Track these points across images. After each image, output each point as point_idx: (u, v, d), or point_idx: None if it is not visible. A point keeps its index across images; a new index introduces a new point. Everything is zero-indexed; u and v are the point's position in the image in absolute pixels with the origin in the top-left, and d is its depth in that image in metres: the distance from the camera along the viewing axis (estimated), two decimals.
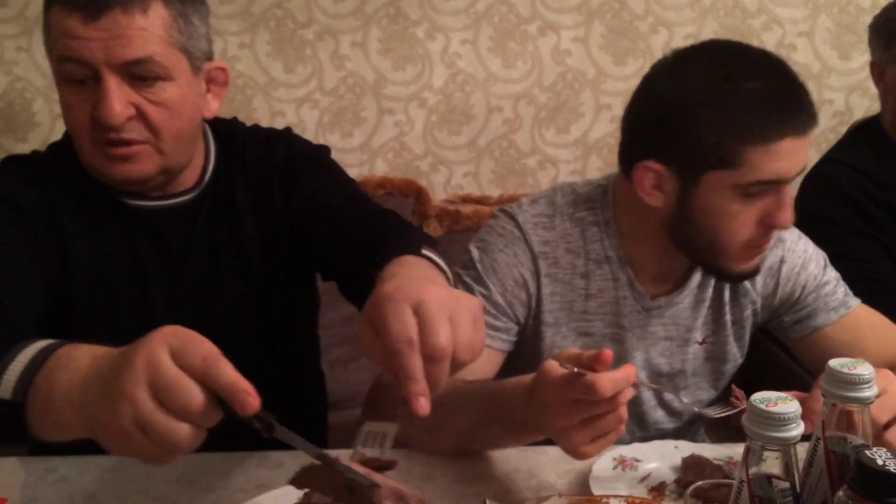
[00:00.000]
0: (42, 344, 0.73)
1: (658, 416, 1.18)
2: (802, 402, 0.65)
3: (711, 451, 0.99)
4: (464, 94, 1.99)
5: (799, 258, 1.15)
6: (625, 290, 1.12)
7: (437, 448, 1.02)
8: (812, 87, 2.01)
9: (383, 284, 0.69)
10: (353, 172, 1.98)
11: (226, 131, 1.13)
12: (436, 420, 0.99)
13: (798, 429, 0.57)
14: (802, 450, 0.67)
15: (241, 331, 1.10)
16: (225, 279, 1.10)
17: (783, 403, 0.56)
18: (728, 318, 1.16)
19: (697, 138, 0.98)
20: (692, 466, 0.95)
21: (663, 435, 1.13)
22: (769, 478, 0.57)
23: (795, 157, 0.98)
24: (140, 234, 1.06)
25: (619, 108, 1.51)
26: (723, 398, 0.97)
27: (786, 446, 0.57)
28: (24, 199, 1.02)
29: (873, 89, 2.01)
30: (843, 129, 1.96)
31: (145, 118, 0.97)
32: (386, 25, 1.94)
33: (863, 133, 1.78)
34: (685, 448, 1.00)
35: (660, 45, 1.98)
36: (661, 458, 0.99)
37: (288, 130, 1.17)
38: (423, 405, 0.63)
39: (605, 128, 2.00)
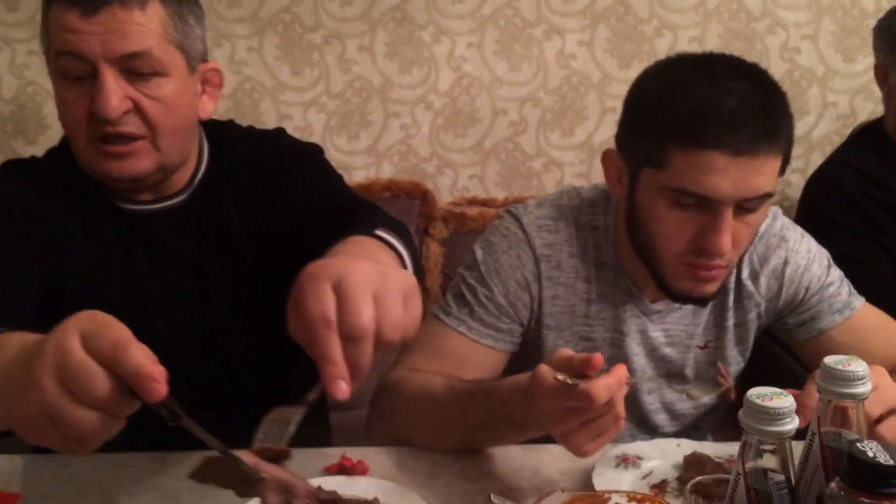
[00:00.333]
0: None
1: (660, 419, 1.18)
2: (796, 398, 0.67)
3: (713, 448, 1.00)
4: (469, 98, 2.00)
5: (803, 259, 1.14)
6: (624, 296, 1.12)
7: (441, 448, 1.03)
8: (816, 90, 2.04)
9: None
10: (360, 175, 2.02)
11: (218, 133, 1.13)
12: (437, 421, 1.01)
13: (793, 423, 0.58)
14: (799, 447, 0.69)
15: (233, 331, 1.11)
16: (215, 280, 1.10)
17: (778, 399, 0.58)
18: (731, 322, 1.15)
19: (639, 133, 1.01)
20: (693, 464, 0.96)
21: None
22: (765, 471, 0.58)
23: (729, 176, 0.92)
24: (133, 238, 1.07)
25: None
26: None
27: (781, 440, 0.58)
28: (19, 202, 1.03)
29: (877, 92, 2.01)
30: (847, 132, 1.98)
31: (142, 113, 0.98)
32: (392, 29, 1.96)
33: (866, 136, 1.78)
34: (687, 446, 1.02)
35: (664, 49, 1.99)
36: (662, 455, 1.01)
37: (278, 130, 1.18)
38: (342, 389, 0.60)
39: (610, 131, 1.98)
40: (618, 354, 1.12)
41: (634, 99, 1.04)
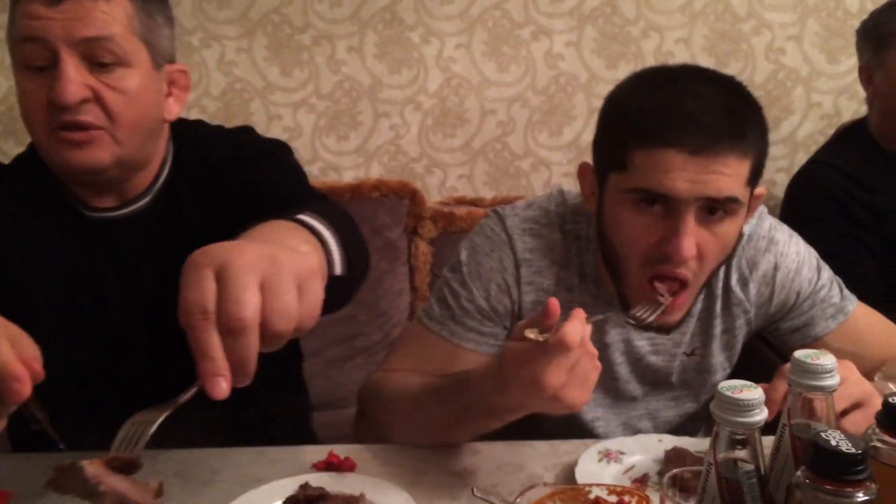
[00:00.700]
0: None
1: (644, 426, 1.17)
2: (765, 390, 0.68)
3: (693, 443, 1.02)
4: (458, 98, 2.02)
5: (793, 262, 1.11)
6: (605, 308, 1.08)
7: (425, 444, 1.04)
8: (801, 90, 2.06)
9: None
10: (349, 175, 2.04)
11: (181, 133, 1.12)
12: (418, 419, 1.02)
13: (761, 414, 0.60)
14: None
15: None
16: (177, 283, 1.09)
17: (748, 391, 0.60)
18: (718, 329, 1.13)
19: (606, 139, 1.02)
20: (674, 458, 0.98)
21: None
22: (735, 461, 0.60)
23: (687, 175, 0.91)
24: (96, 245, 1.07)
25: None
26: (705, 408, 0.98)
27: (750, 431, 0.60)
28: None
29: (861, 92, 2.04)
30: (832, 132, 2.00)
31: (102, 103, 0.97)
32: (381, 30, 1.97)
33: (850, 135, 1.81)
34: (668, 441, 1.03)
35: (651, 50, 2.01)
36: (644, 450, 1.02)
37: (242, 128, 1.16)
38: (221, 388, 0.55)
39: None
40: (602, 363, 1.10)
41: (604, 109, 1.04)
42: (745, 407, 0.59)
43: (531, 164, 2.06)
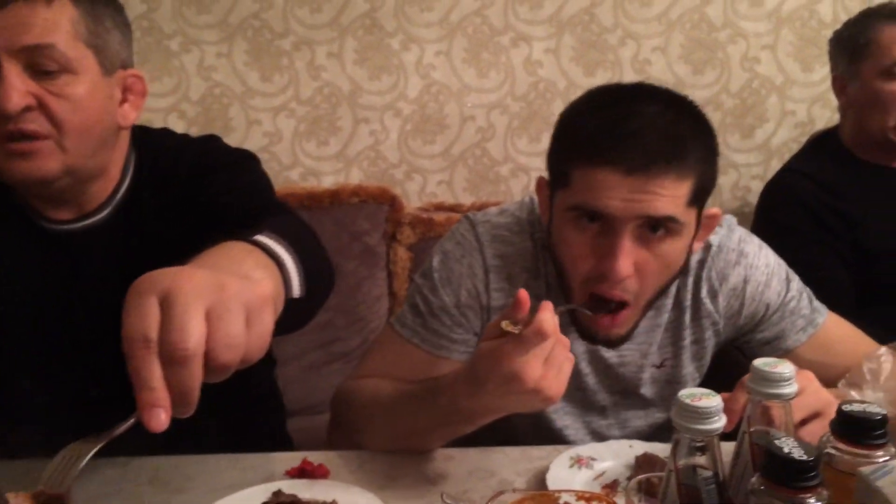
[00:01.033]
0: None
1: (614, 435, 1.17)
2: (725, 401, 0.70)
3: (664, 449, 1.02)
4: (438, 104, 2.03)
5: (763, 275, 1.12)
6: (568, 319, 1.07)
7: (397, 449, 1.04)
8: (775, 99, 2.09)
9: None
10: (329, 180, 2.04)
11: (143, 142, 1.10)
12: (390, 426, 1.02)
13: (720, 422, 0.61)
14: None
15: None
16: None
17: (706, 399, 0.61)
18: (688, 340, 1.13)
19: (553, 155, 1.04)
20: (644, 464, 0.99)
21: None
22: (695, 467, 0.61)
23: (621, 195, 0.92)
24: (56, 258, 1.05)
25: None
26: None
27: (709, 438, 0.61)
28: None
29: (834, 101, 2.07)
30: (805, 140, 2.03)
31: (47, 111, 0.95)
32: (362, 36, 1.98)
33: (822, 144, 1.83)
34: (639, 447, 1.04)
35: (628, 57, 2.03)
36: (615, 456, 1.03)
37: (208, 137, 1.14)
38: (159, 420, 0.53)
39: None
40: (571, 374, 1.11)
41: (555, 126, 1.05)
42: (703, 414, 0.60)
43: (510, 170, 2.08)
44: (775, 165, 2.04)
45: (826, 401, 0.85)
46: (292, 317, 0.75)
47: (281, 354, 1.79)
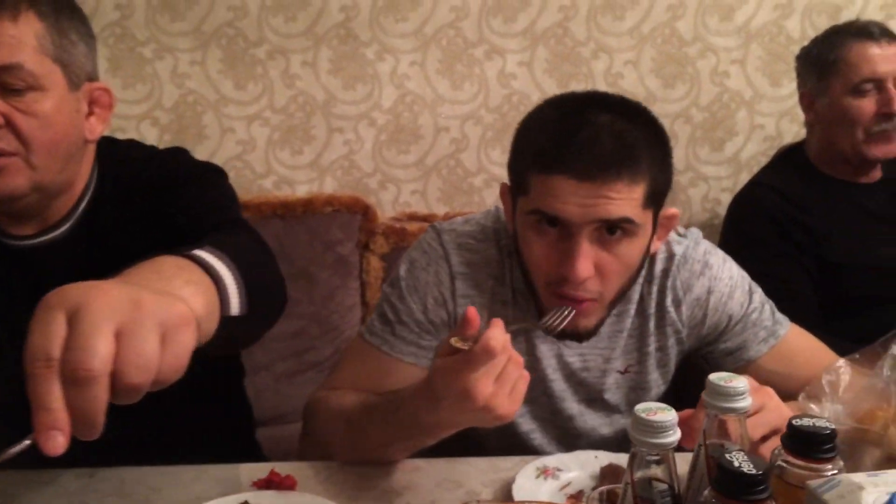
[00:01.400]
0: None
1: (581, 444, 1.18)
2: (686, 420, 0.71)
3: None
4: (412, 115, 2.04)
5: (726, 286, 1.14)
6: (535, 321, 1.09)
7: (361, 460, 1.05)
8: (744, 113, 2.13)
9: None
10: (302, 189, 2.04)
11: (111, 153, 1.09)
12: (354, 437, 1.03)
13: (675, 436, 0.63)
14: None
15: None
16: None
17: (662, 413, 0.62)
18: (652, 347, 1.16)
19: (513, 162, 1.07)
20: (609, 474, 1.00)
21: None
22: (650, 480, 0.63)
23: (576, 201, 0.96)
24: (16, 273, 1.04)
25: None
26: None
27: (665, 451, 0.62)
28: None
29: (803, 115, 2.12)
30: (774, 153, 2.07)
31: (15, 128, 0.94)
32: (336, 46, 1.99)
33: (789, 158, 1.87)
34: (604, 458, 1.06)
35: (601, 70, 2.06)
36: (581, 467, 1.05)
37: (173, 150, 1.13)
38: (56, 442, 0.50)
39: None
40: (535, 379, 1.11)
41: (514, 135, 1.08)
42: (658, 428, 0.61)
43: (484, 180, 2.09)
44: (744, 178, 2.06)
45: (786, 417, 0.86)
46: (233, 335, 0.74)
47: (253, 363, 1.79)
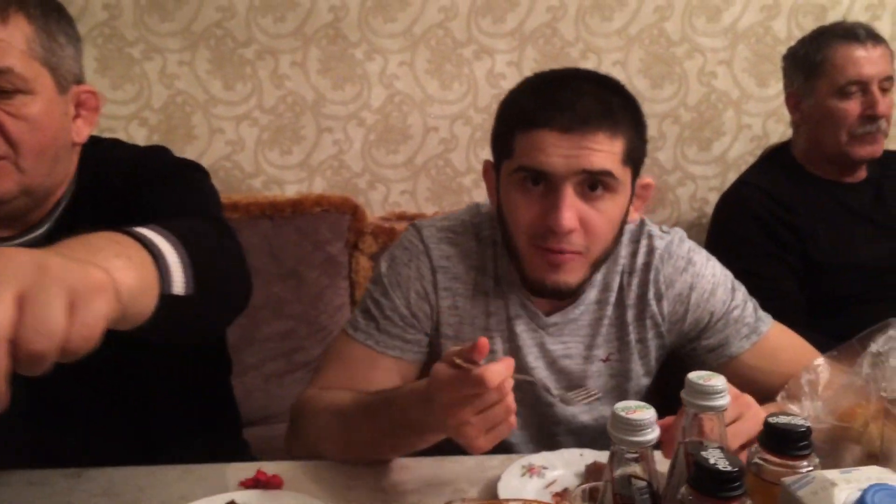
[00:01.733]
0: None
1: (559, 430, 1.21)
2: (665, 428, 0.72)
3: None
4: (401, 114, 2.04)
5: (708, 283, 1.16)
6: (518, 309, 1.16)
7: (352, 460, 1.06)
8: (731, 113, 2.14)
9: None
10: (292, 189, 2.05)
11: (92, 153, 1.08)
12: (345, 434, 1.04)
13: (653, 434, 0.64)
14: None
15: (101, 361, 1.04)
16: None
17: (640, 411, 0.63)
18: (632, 337, 1.18)
19: (497, 131, 1.11)
20: (594, 472, 1.01)
21: None
22: (630, 478, 0.63)
23: (561, 152, 1.00)
24: None
25: None
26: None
27: (643, 449, 0.63)
28: None
29: (789, 115, 2.14)
30: (760, 153, 2.09)
31: (3, 132, 0.94)
32: (325, 46, 1.99)
33: (775, 158, 1.88)
34: (589, 456, 1.07)
35: None
36: (566, 465, 1.06)
37: (153, 149, 1.12)
38: None
39: None
40: (517, 366, 1.14)
41: (498, 108, 1.12)
42: (637, 427, 0.62)
43: (473, 180, 2.10)
44: (732, 178, 2.08)
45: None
46: (180, 317, 0.73)
47: (242, 363, 1.80)
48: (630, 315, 1.17)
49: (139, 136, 1.99)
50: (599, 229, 1.05)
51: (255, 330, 1.84)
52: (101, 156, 1.08)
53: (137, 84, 1.97)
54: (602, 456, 1.06)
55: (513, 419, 0.85)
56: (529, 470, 1.04)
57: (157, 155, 1.11)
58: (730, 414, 0.85)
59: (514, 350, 1.16)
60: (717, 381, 0.68)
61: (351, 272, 1.91)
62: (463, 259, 1.16)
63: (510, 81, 2.04)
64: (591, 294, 1.17)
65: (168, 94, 1.98)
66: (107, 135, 1.95)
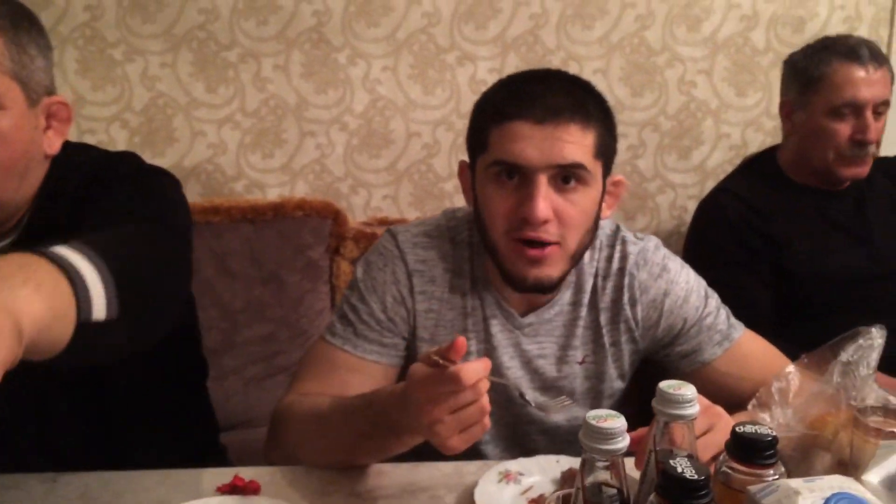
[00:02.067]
0: None
1: (531, 429, 1.21)
2: (637, 440, 0.73)
3: None
4: (384, 119, 2.05)
5: (682, 290, 1.18)
6: (493, 310, 1.17)
7: (330, 464, 1.06)
8: (710, 122, 2.17)
9: None
10: (274, 193, 2.05)
11: (59, 159, 1.05)
12: (324, 438, 1.04)
13: (623, 442, 0.65)
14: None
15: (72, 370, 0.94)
16: None
17: (611, 420, 0.64)
18: (606, 340, 1.19)
19: (472, 129, 1.13)
20: (569, 479, 1.03)
21: None
22: (600, 485, 0.65)
23: (534, 143, 1.02)
24: None
25: None
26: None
27: (614, 457, 0.65)
28: None
29: (767, 125, 2.17)
30: (739, 162, 2.10)
31: None
32: (308, 50, 1.99)
33: (755, 165, 1.87)
34: (565, 462, 1.08)
35: None
36: (542, 471, 1.06)
37: (122, 153, 1.10)
38: None
39: None
40: (492, 367, 1.14)
41: (472, 110, 1.15)
42: (608, 435, 0.63)
43: (455, 185, 2.11)
44: (711, 186, 2.09)
45: None
46: (104, 340, 0.70)
47: (221, 367, 1.80)
48: (604, 318, 1.19)
49: (120, 138, 1.99)
50: (573, 220, 1.07)
51: (235, 334, 1.84)
52: (67, 161, 1.06)
53: (119, 86, 1.96)
54: (577, 462, 1.07)
55: (487, 421, 0.85)
56: (506, 476, 1.05)
57: (122, 160, 1.08)
58: (700, 425, 0.86)
59: (490, 350, 1.17)
60: (687, 390, 0.69)
61: (332, 277, 1.91)
62: (438, 262, 1.17)
63: None
64: (566, 295, 1.19)
65: (150, 96, 1.97)
66: (87, 136, 1.97)
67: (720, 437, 0.87)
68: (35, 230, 1.02)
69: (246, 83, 1.99)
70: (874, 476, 0.69)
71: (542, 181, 1.03)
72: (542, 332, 1.18)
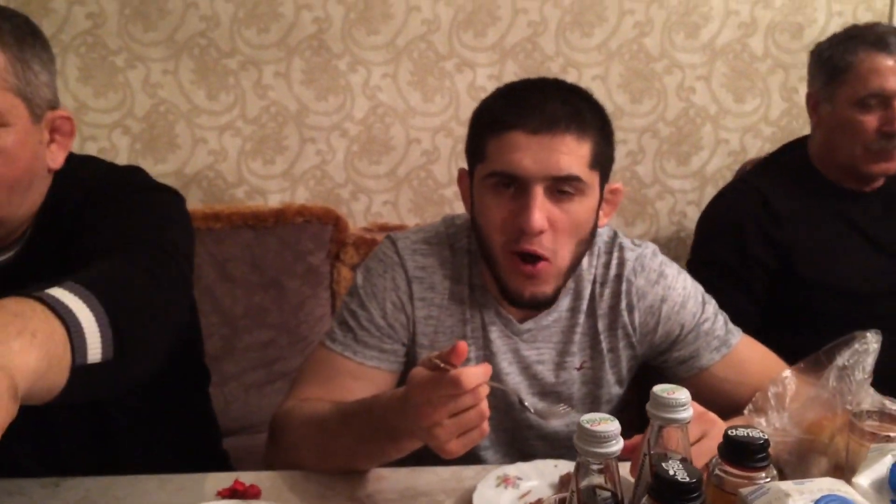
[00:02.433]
0: None
1: (530, 434, 1.22)
2: (631, 448, 0.73)
3: None
4: (384, 126, 2.06)
5: (679, 296, 1.19)
6: (492, 316, 1.18)
7: (330, 469, 1.07)
8: (709, 128, 2.18)
9: None
10: (275, 199, 2.06)
11: (62, 173, 1.04)
12: (324, 442, 1.05)
13: (617, 445, 0.65)
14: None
15: None
16: None
17: (605, 423, 0.65)
18: (604, 346, 1.20)
19: (470, 138, 1.15)
20: (567, 483, 1.02)
21: None
22: (594, 488, 0.65)
23: (530, 153, 1.03)
24: None
25: None
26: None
27: (608, 460, 0.65)
28: None
29: (766, 131, 2.18)
30: (738, 167, 2.12)
31: None
32: (309, 57, 2.00)
33: (786, 154, 1.77)
34: (563, 466, 1.08)
35: None
36: (540, 476, 1.07)
37: (127, 168, 1.09)
38: None
39: None
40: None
41: (471, 119, 1.16)
42: (602, 438, 0.64)
43: (454, 192, 2.12)
44: (710, 191, 2.12)
45: None
46: (99, 382, 0.70)
47: (222, 373, 1.80)
48: (601, 324, 1.20)
49: (122, 145, 2.00)
50: (567, 231, 1.08)
51: (235, 340, 1.85)
52: (71, 175, 1.05)
53: (121, 92, 1.97)
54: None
55: (485, 426, 0.85)
56: (504, 480, 1.06)
57: (126, 175, 1.07)
58: (695, 432, 0.87)
59: (489, 356, 1.18)
60: (681, 394, 0.70)
61: (332, 283, 1.92)
62: (438, 269, 1.18)
63: None
64: (564, 302, 1.19)
65: (151, 103, 1.98)
66: (89, 143, 1.98)
67: (715, 443, 0.87)
68: (37, 244, 1.02)
69: (247, 90, 2.00)
70: (864, 479, 0.70)
71: (539, 191, 1.04)
72: (540, 338, 1.19)
